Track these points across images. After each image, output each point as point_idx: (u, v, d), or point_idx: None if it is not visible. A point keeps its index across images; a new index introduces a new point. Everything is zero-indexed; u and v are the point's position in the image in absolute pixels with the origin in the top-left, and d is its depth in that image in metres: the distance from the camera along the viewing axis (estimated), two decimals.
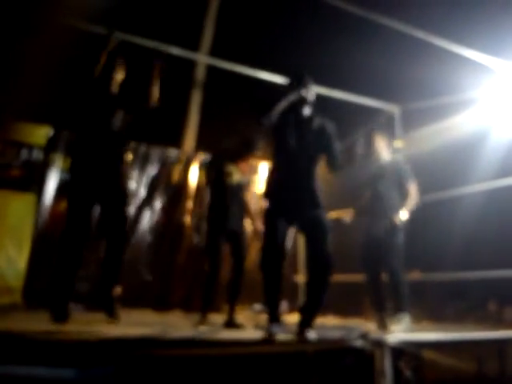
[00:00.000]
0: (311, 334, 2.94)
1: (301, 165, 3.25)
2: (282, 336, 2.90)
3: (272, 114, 3.15)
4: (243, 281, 3.99)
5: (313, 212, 3.19)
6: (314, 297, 3.11)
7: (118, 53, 3.65)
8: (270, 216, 3.31)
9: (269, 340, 2.75)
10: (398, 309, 4.02)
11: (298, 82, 3.29)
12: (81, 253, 3.32)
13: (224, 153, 4.18)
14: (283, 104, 3.18)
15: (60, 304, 3.14)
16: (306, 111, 3.34)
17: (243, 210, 4.16)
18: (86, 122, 3.49)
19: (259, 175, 6.69)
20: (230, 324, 3.85)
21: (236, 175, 4.10)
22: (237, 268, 3.99)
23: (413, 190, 4.28)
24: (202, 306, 3.98)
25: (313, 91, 3.36)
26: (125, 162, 3.62)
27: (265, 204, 3.42)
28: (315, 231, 3.16)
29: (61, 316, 3.09)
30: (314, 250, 3.16)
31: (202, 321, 3.84)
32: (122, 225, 3.48)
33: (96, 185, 3.38)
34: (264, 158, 6.27)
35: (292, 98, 3.22)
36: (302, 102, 3.28)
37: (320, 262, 3.10)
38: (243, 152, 4.13)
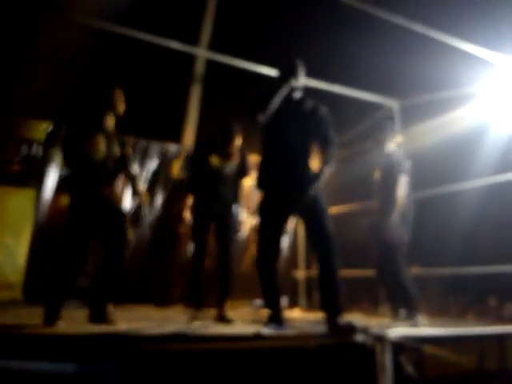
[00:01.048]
0: (343, 323, 2.93)
1: (295, 148, 3.21)
2: (282, 332, 2.90)
3: (267, 111, 3.13)
4: (232, 271, 3.91)
5: (312, 200, 3.13)
6: (329, 286, 3.08)
7: (117, 86, 3.56)
8: (265, 209, 3.29)
9: (260, 336, 2.73)
10: (405, 308, 4.01)
11: (288, 73, 3.25)
12: (81, 265, 3.34)
13: (206, 145, 4.15)
14: (277, 100, 3.16)
15: (51, 311, 3.16)
16: (297, 95, 3.32)
17: (233, 198, 4.11)
18: (83, 156, 3.38)
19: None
20: (221, 318, 3.78)
21: (218, 162, 4.03)
22: (222, 259, 3.92)
23: (398, 184, 4.16)
24: (192, 300, 3.93)
25: (303, 76, 3.32)
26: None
27: (259, 197, 3.39)
28: (315, 214, 3.13)
29: (50, 320, 3.11)
30: (315, 235, 3.14)
31: (196, 316, 3.77)
32: (122, 256, 3.44)
33: (94, 222, 3.37)
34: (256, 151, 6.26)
35: (285, 91, 3.20)
36: (293, 89, 3.27)
37: (324, 247, 3.07)
38: (223, 139, 4.07)
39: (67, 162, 3.45)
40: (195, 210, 4.05)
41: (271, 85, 3.35)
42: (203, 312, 3.86)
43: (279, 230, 3.27)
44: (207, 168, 4.02)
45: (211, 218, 4.00)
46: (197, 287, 3.93)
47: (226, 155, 4.05)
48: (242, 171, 4.16)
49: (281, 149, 3.23)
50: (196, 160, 4.14)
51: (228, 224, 4.00)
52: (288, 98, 3.25)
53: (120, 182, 3.63)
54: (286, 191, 3.18)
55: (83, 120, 3.49)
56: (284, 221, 3.31)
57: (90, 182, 3.37)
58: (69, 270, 3.29)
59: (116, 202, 3.54)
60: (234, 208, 4.12)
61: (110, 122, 3.50)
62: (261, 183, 3.36)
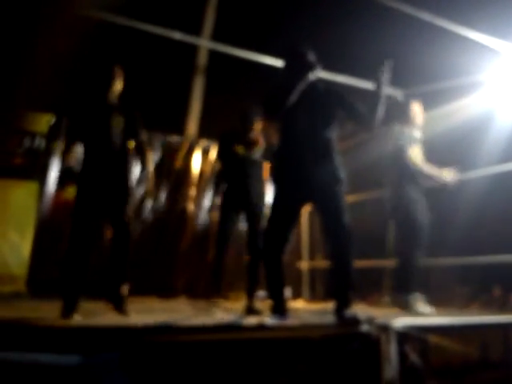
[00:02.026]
0: (350, 314, 2.90)
1: (314, 134, 3.08)
2: (285, 323, 2.89)
3: (284, 108, 3.03)
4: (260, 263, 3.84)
5: (330, 186, 3.05)
6: (341, 276, 3.02)
7: (115, 61, 3.62)
8: (279, 200, 3.18)
9: (263, 326, 2.70)
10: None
11: (305, 69, 3.10)
12: (87, 259, 3.37)
13: (230, 135, 4.13)
14: (294, 96, 3.03)
15: (69, 303, 3.18)
16: (311, 76, 3.15)
17: (259, 186, 4.07)
18: (89, 134, 3.49)
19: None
20: (250, 310, 3.77)
21: (244, 150, 4.02)
22: (251, 248, 3.92)
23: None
24: (212, 289, 3.95)
25: (315, 61, 3.18)
26: (130, 168, 3.62)
27: (273, 187, 3.32)
28: (330, 202, 3.03)
29: (68, 312, 3.12)
30: (331, 226, 3.05)
31: (214, 304, 3.80)
32: (126, 232, 3.50)
33: (102, 197, 3.42)
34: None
35: (301, 87, 3.07)
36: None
37: (339, 237, 3.01)
38: (242, 128, 4.06)
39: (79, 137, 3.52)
40: (225, 201, 4.05)
41: (284, 77, 3.22)
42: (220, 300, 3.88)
43: (291, 221, 3.20)
44: (235, 158, 4.01)
45: (240, 208, 3.99)
46: (218, 275, 3.95)
47: (249, 143, 4.03)
48: (265, 157, 4.13)
49: (297, 135, 3.11)
50: (223, 152, 4.12)
51: (257, 214, 3.98)
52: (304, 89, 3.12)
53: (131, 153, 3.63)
54: (303, 177, 3.06)
55: (87, 95, 3.62)
56: (297, 210, 3.23)
57: (96, 153, 3.44)
58: (80, 250, 3.32)
59: (126, 174, 3.56)
60: (263, 198, 4.08)
61: (111, 96, 3.55)
62: (276, 174, 3.27)
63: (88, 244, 3.35)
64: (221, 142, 4.23)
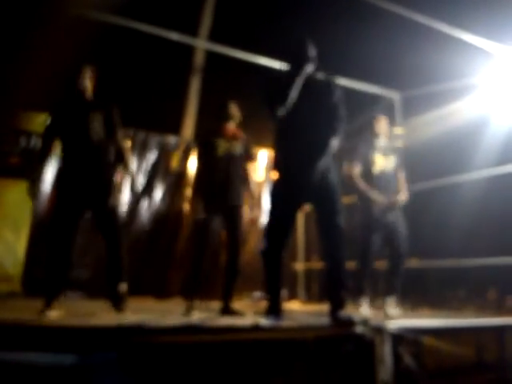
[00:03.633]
0: (344, 315, 2.91)
1: (314, 128, 3.08)
2: (280, 324, 2.89)
3: (286, 105, 3.01)
4: (240, 263, 3.82)
5: (327, 184, 3.07)
6: (334, 276, 3.04)
7: (86, 60, 3.66)
8: (279, 195, 3.18)
9: (258, 328, 2.70)
10: (392, 292, 4.09)
11: (303, 61, 3.06)
12: (68, 254, 3.37)
13: (210, 131, 4.05)
14: (295, 91, 3.02)
15: (49, 298, 3.20)
16: (309, 69, 3.12)
17: (239, 183, 3.94)
18: (67, 131, 3.51)
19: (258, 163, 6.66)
20: (226, 311, 3.73)
21: (223, 146, 3.90)
22: (231, 248, 3.83)
23: (402, 179, 4.29)
24: (188, 291, 3.86)
25: (315, 54, 3.13)
26: (111, 163, 3.59)
27: (274, 182, 3.27)
28: (327, 202, 3.05)
29: (43, 309, 3.13)
30: (325, 226, 3.06)
31: (191, 307, 3.69)
32: (115, 226, 3.49)
33: (82, 192, 3.41)
34: (263, 145, 6.24)
35: (301, 80, 3.06)
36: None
37: (331, 237, 3.02)
38: (219, 114, 4.01)
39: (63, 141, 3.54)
40: (202, 200, 3.90)
41: (284, 73, 3.21)
42: (200, 303, 3.83)
43: (291, 218, 3.21)
44: (215, 154, 3.88)
45: (219, 208, 3.86)
46: (196, 278, 3.88)
47: (228, 136, 3.94)
48: (247, 154, 4.03)
49: (298, 131, 3.10)
50: (203, 149, 4.01)
51: (237, 214, 3.87)
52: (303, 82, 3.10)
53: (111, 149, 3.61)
54: (304, 173, 3.06)
55: (66, 95, 3.65)
56: (297, 207, 3.22)
57: (75, 149, 3.46)
58: (61, 246, 3.33)
59: (105, 168, 3.54)
60: (241, 197, 3.95)
61: (86, 94, 3.57)
62: (278, 166, 3.22)
63: (68, 239, 3.35)
64: (202, 140, 4.09)
